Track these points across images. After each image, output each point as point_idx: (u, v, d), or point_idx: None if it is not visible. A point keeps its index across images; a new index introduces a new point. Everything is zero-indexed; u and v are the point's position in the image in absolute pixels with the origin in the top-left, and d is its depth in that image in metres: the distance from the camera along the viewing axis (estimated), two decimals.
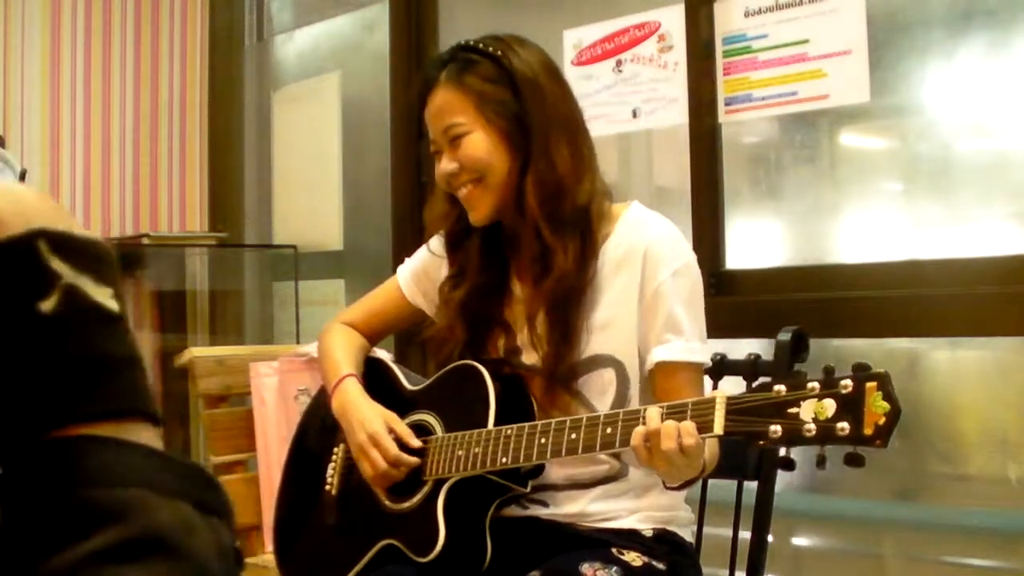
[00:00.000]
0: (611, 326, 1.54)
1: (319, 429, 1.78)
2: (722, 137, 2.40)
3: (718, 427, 1.28)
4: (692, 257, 1.57)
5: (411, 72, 3.09)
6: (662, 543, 1.55)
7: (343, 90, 3.39)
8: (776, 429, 1.23)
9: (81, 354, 0.48)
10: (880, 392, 1.19)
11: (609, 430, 1.38)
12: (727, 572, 1.68)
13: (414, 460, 1.56)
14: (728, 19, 2.36)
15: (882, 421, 1.18)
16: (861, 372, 1.22)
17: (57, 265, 0.48)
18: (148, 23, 3.65)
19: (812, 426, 1.21)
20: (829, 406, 1.21)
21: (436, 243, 1.72)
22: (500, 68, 1.55)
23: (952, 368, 2.24)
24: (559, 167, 1.53)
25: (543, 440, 1.43)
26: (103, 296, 0.49)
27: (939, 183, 2.15)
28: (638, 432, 1.33)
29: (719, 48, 2.37)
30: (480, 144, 1.55)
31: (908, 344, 2.19)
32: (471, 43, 1.59)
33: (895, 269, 2.14)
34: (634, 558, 1.49)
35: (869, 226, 2.26)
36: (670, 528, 1.58)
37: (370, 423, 1.59)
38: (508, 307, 1.64)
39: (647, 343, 1.53)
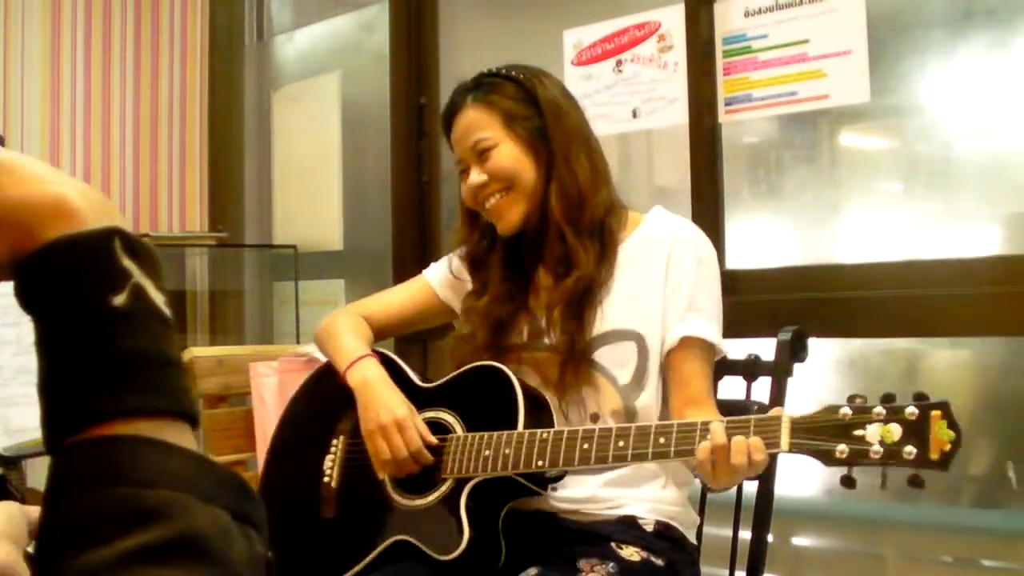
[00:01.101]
0: (633, 302, 1.61)
1: (313, 419, 1.78)
2: (722, 137, 2.40)
3: (784, 444, 1.32)
4: (714, 252, 1.67)
5: (411, 72, 3.09)
6: (662, 539, 1.56)
7: (343, 90, 3.39)
8: (843, 449, 1.27)
9: (143, 350, 0.50)
10: (945, 420, 1.24)
11: (663, 440, 1.40)
12: (727, 572, 1.68)
13: (432, 458, 1.58)
14: (728, 19, 2.36)
15: (948, 448, 1.23)
16: (923, 400, 1.26)
17: (128, 264, 0.50)
18: (148, 23, 3.65)
19: (879, 448, 1.26)
20: (895, 430, 1.26)
21: (456, 265, 1.81)
22: (523, 89, 1.67)
23: (952, 368, 2.24)
24: (579, 178, 1.64)
25: (586, 446, 1.44)
26: (160, 301, 0.52)
27: (939, 183, 2.15)
28: (704, 447, 1.36)
29: (719, 48, 2.37)
30: (508, 155, 1.65)
31: (908, 344, 2.19)
32: (494, 70, 1.71)
33: (895, 269, 2.14)
34: (632, 553, 1.50)
35: (869, 226, 2.26)
36: (673, 523, 1.58)
37: (398, 407, 1.61)
38: (534, 295, 1.70)
39: (669, 322, 1.60)
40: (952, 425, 1.24)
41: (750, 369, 1.69)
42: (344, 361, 1.70)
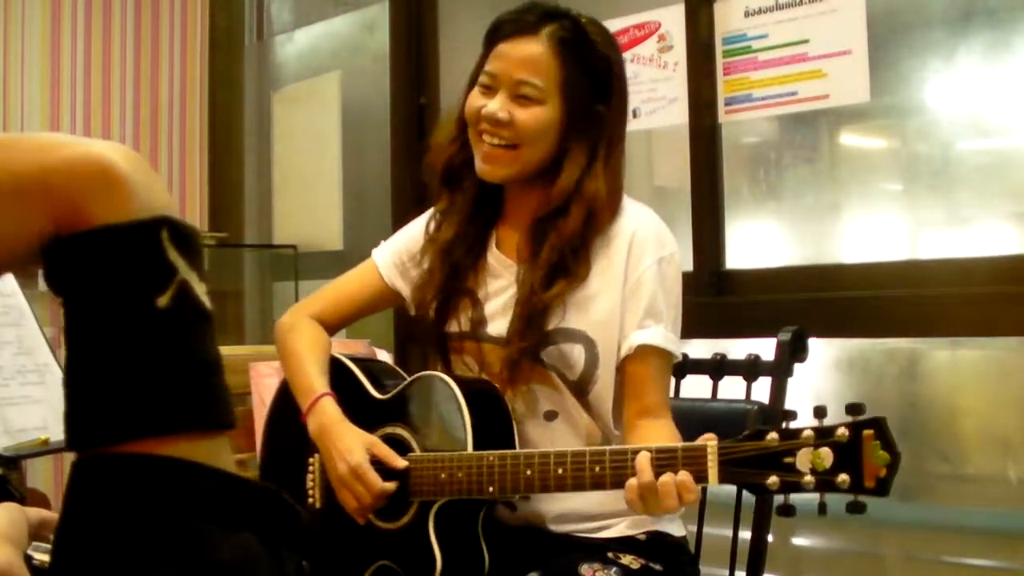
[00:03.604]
0: (588, 304, 1.53)
1: (291, 436, 1.69)
2: (722, 137, 2.40)
3: (713, 479, 1.26)
4: (676, 248, 1.58)
5: (411, 72, 3.09)
6: (657, 546, 1.55)
7: (343, 90, 3.39)
8: (774, 480, 1.22)
9: (182, 355, 0.46)
10: (878, 441, 1.16)
11: (598, 469, 1.35)
12: (727, 572, 1.68)
13: (393, 486, 1.51)
14: (728, 19, 2.36)
15: (883, 473, 1.17)
16: (856, 418, 1.18)
17: (174, 257, 0.46)
18: (148, 23, 3.65)
19: (811, 477, 1.20)
20: (826, 456, 1.19)
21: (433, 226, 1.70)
22: (601, 66, 1.54)
23: (952, 368, 2.24)
24: (623, 166, 1.58)
25: (528, 472, 1.40)
26: (202, 292, 0.48)
27: (939, 183, 2.15)
28: (631, 486, 1.30)
29: (719, 48, 2.37)
30: (544, 120, 1.51)
31: (908, 344, 2.19)
32: (583, 22, 1.55)
33: (895, 269, 2.14)
34: (631, 561, 1.49)
35: (869, 226, 2.26)
36: (661, 529, 1.57)
37: (352, 454, 1.51)
38: (480, 277, 1.62)
39: (626, 327, 1.52)
40: (887, 446, 1.16)
41: (750, 369, 1.69)
42: (303, 400, 1.61)
